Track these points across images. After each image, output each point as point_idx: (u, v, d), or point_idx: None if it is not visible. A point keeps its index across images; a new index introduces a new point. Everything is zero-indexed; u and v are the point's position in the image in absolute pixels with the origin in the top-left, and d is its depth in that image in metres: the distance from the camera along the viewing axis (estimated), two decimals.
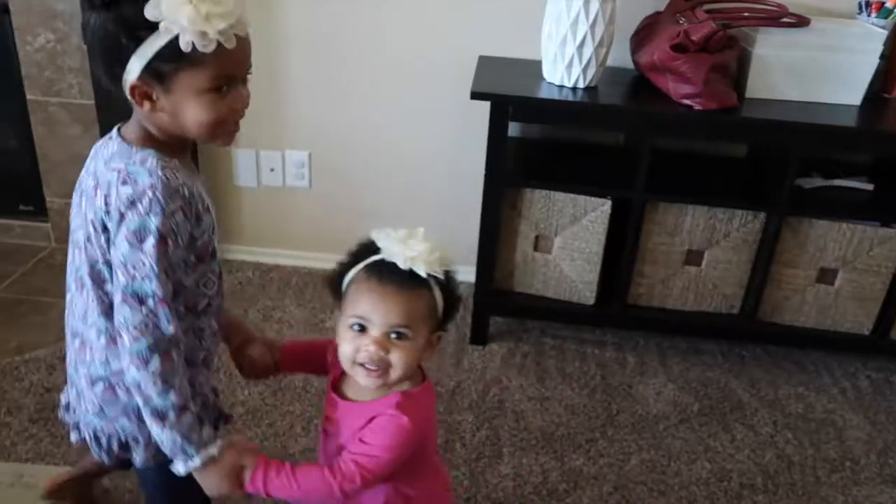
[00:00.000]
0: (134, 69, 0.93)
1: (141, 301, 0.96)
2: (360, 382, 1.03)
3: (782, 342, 2.14)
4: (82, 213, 1.04)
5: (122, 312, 0.97)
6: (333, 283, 1.06)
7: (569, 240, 2.00)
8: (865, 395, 2.03)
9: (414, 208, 2.35)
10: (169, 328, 0.97)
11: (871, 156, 2.19)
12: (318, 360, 1.19)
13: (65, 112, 2.29)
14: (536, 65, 1.98)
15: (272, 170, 2.37)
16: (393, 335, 1.00)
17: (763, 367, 2.11)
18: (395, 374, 1.01)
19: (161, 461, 1.05)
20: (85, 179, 1.05)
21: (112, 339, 1.02)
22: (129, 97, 0.97)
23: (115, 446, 1.11)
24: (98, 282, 1.03)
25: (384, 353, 1.00)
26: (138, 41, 0.92)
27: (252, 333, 1.25)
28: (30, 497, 1.52)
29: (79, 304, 1.08)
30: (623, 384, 2.00)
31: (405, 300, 0.99)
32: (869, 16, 1.98)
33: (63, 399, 1.20)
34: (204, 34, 0.90)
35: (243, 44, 0.96)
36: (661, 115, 1.87)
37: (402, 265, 0.99)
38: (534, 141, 2.22)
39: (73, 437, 1.17)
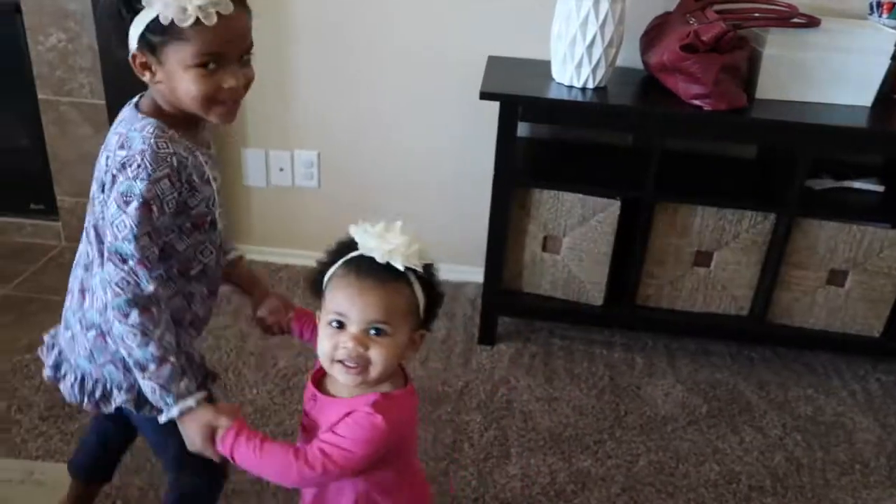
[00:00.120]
0: (132, 40, 1.00)
1: (123, 260, 1.01)
2: (339, 380, 1.01)
3: (792, 344, 2.13)
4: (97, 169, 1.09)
5: (107, 269, 1.02)
6: (313, 283, 1.04)
7: (577, 240, 1.99)
8: (875, 397, 2.02)
9: (422, 208, 2.35)
10: (148, 287, 1.01)
11: (881, 157, 2.18)
12: None
13: (76, 112, 2.31)
14: (545, 65, 1.98)
15: (281, 169, 2.38)
16: (372, 331, 0.97)
17: (772, 369, 2.10)
18: (374, 371, 0.98)
19: (138, 408, 1.12)
20: (107, 138, 1.11)
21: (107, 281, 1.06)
22: (132, 67, 1.03)
23: (97, 392, 1.14)
24: (99, 237, 1.07)
25: (363, 349, 0.97)
26: (134, 13, 0.98)
27: (258, 280, 1.30)
28: (40, 494, 1.53)
29: (85, 254, 1.13)
30: (631, 385, 2.00)
31: (383, 295, 0.97)
32: (880, 16, 1.97)
33: (48, 340, 1.23)
34: (183, 9, 0.95)
35: (229, 22, 0.98)
36: (671, 116, 1.87)
37: (380, 259, 0.97)
38: (542, 141, 2.22)
39: (47, 373, 1.21)
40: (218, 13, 0.96)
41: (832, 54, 1.86)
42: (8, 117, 2.44)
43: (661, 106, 1.87)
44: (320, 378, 1.09)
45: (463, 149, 2.27)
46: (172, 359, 1.03)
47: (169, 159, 1.02)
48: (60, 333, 1.20)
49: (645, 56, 2.00)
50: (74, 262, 1.17)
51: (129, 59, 1.02)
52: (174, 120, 1.06)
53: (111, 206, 1.01)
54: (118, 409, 1.15)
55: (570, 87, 1.90)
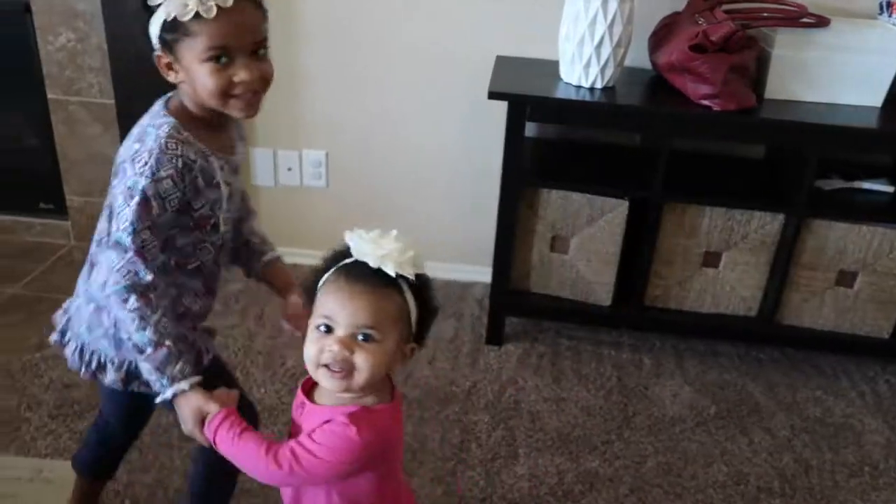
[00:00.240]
0: (153, 40, 1.05)
1: (124, 250, 1.05)
2: (324, 385, 0.99)
3: (800, 345, 2.12)
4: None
5: (110, 255, 1.06)
6: (309, 290, 1.03)
7: (585, 240, 1.99)
8: (884, 399, 2.01)
9: (430, 208, 2.35)
10: (147, 276, 1.05)
11: (891, 157, 2.16)
12: None
13: (85, 111, 2.32)
14: (554, 65, 1.98)
15: (290, 169, 2.38)
16: (360, 336, 0.95)
17: (781, 371, 2.09)
18: (359, 377, 0.95)
19: (126, 385, 1.17)
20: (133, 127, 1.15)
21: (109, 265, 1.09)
22: (159, 68, 1.07)
23: (93, 363, 1.18)
24: (110, 219, 1.10)
25: (349, 353, 0.95)
26: (150, 13, 1.03)
27: (293, 282, 1.30)
28: (49, 491, 1.54)
29: (101, 230, 1.15)
30: (639, 386, 1.99)
31: (373, 300, 0.95)
32: (890, 16, 1.96)
33: (65, 306, 1.26)
34: (183, 4, 0.99)
35: (232, 15, 1.01)
36: (680, 116, 1.87)
37: (372, 263, 0.95)
38: (550, 141, 2.22)
39: (54, 337, 1.25)
40: (219, 6, 0.99)
41: (841, 54, 1.85)
42: (17, 117, 2.45)
43: (670, 106, 1.87)
44: (311, 387, 1.07)
45: (471, 149, 2.27)
46: (168, 343, 1.06)
47: (174, 160, 1.04)
48: (72, 301, 1.25)
49: (653, 56, 1.99)
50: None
51: (155, 60, 1.07)
52: (196, 122, 1.09)
53: (118, 197, 1.05)
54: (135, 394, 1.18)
55: (579, 87, 1.90)
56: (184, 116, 1.09)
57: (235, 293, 2.21)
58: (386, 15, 2.15)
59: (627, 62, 1.92)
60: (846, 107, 1.89)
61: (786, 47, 1.86)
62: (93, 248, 1.18)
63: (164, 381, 1.06)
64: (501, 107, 1.84)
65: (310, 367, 0.99)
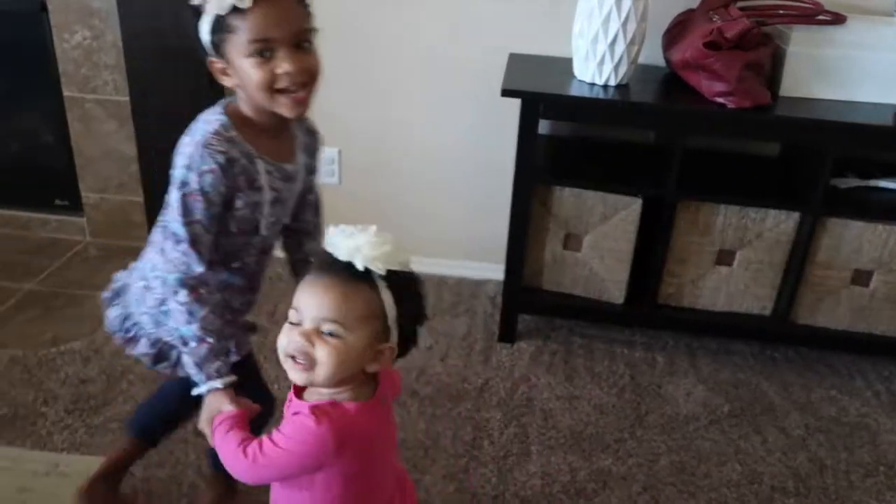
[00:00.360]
0: (205, 46, 1.08)
1: (177, 241, 1.08)
2: (290, 376, 0.98)
3: (815, 344, 2.11)
4: None
5: (166, 245, 1.10)
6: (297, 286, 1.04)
7: (599, 238, 1.99)
8: None
9: (442, 205, 2.35)
10: (198, 268, 1.09)
11: None
12: None
13: (100, 108, 2.33)
14: (567, 62, 1.97)
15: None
16: (325, 330, 0.94)
17: (795, 370, 2.08)
18: (321, 371, 0.94)
19: (155, 363, 1.21)
20: None
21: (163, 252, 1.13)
22: (215, 75, 1.10)
23: (130, 332, 1.24)
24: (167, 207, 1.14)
25: (310, 346, 0.94)
26: (198, 18, 1.06)
27: None
28: (65, 486, 1.55)
29: (160, 218, 1.19)
30: (652, 384, 1.99)
31: (339, 294, 0.93)
32: None
33: (130, 266, 1.30)
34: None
35: (272, 8, 1.03)
36: (694, 114, 1.86)
37: (341, 256, 0.93)
38: (563, 138, 2.22)
39: (106, 294, 1.29)
40: None
41: (858, 52, 1.84)
42: (34, 114, 2.46)
43: (684, 104, 1.86)
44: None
45: (484, 146, 2.27)
46: (211, 340, 1.09)
47: (216, 156, 1.06)
48: (134, 269, 1.27)
49: (667, 53, 1.99)
50: None
51: (209, 67, 1.10)
52: (249, 124, 1.11)
53: (171, 188, 1.09)
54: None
55: (592, 84, 1.90)
56: (237, 118, 1.11)
57: None
58: (398, 13, 2.15)
59: (641, 59, 1.92)
60: (862, 104, 1.87)
61: (801, 44, 1.85)
62: (154, 229, 1.21)
63: (201, 377, 1.10)
64: (514, 104, 1.84)
65: (280, 357, 0.98)
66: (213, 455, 1.43)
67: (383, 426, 1.05)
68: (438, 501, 1.59)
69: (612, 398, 1.93)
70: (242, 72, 1.06)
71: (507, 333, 2.11)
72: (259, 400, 1.15)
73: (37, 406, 1.77)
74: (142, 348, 1.23)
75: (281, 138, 1.16)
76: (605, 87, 1.89)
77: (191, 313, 1.08)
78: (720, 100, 1.80)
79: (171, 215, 1.08)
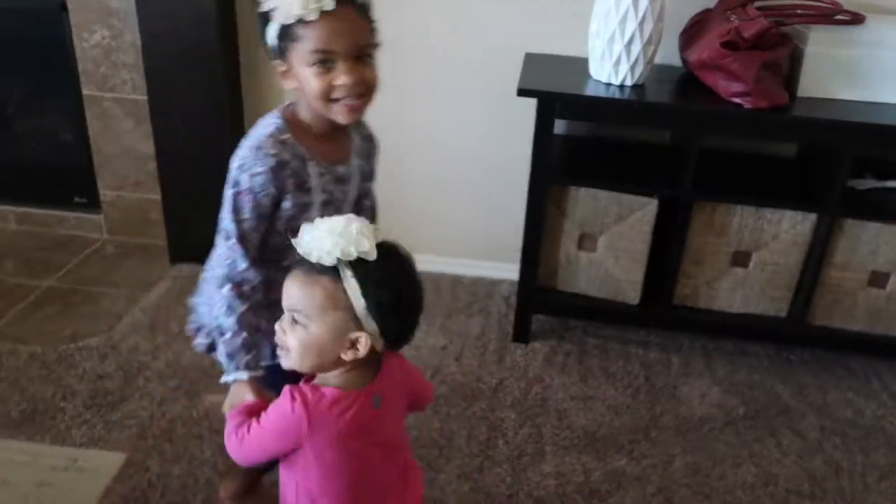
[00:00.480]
0: (271, 50, 1.11)
1: (227, 237, 1.14)
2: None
3: (831, 346, 2.09)
4: None
5: (218, 240, 1.16)
6: None
7: (614, 239, 1.98)
8: None
9: (457, 205, 2.36)
10: (242, 265, 1.13)
11: None
12: None
13: (118, 107, 2.35)
14: (583, 62, 1.97)
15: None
16: (295, 320, 1.00)
17: (811, 372, 2.07)
18: (292, 356, 1.01)
19: (209, 351, 1.25)
20: None
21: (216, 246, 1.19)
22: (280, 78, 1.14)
23: (193, 325, 1.31)
24: None
25: (283, 333, 1.02)
26: (266, 24, 1.10)
27: None
28: (84, 481, 1.57)
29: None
30: (667, 385, 1.98)
31: (301, 285, 0.99)
32: None
33: None
34: (288, 10, 1.05)
35: (336, 21, 1.06)
36: (710, 114, 1.85)
37: (301, 252, 0.98)
38: (579, 138, 2.21)
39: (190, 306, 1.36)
40: (322, 11, 1.04)
41: (877, 51, 1.83)
42: (53, 112, 2.49)
43: (700, 104, 1.85)
44: None
45: (499, 146, 2.27)
46: (245, 335, 1.14)
47: (267, 159, 1.11)
48: None
49: (684, 53, 1.98)
50: None
51: (274, 69, 1.14)
52: (304, 128, 1.15)
53: (226, 187, 1.13)
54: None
55: (608, 84, 1.89)
56: (293, 121, 1.15)
57: None
58: (415, 12, 2.15)
59: (657, 59, 1.91)
60: (881, 105, 1.86)
61: (820, 44, 1.84)
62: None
63: (231, 367, 1.15)
64: (530, 104, 1.84)
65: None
66: None
67: (369, 422, 1.03)
68: (453, 500, 1.60)
69: (627, 399, 1.92)
70: (303, 79, 1.10)
71: (522, 333, 2.11)
72: None
73: (56, 401, 1.79)
74: (200, 339, 1.29)
75: (336, 142, 1.19)
76: (622, 87, 1.88)
77: (230, 307, 1.13)
78: (737, 100, 1.79)
79: (224, 212, 1.14)
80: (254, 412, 1.07)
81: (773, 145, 2.17)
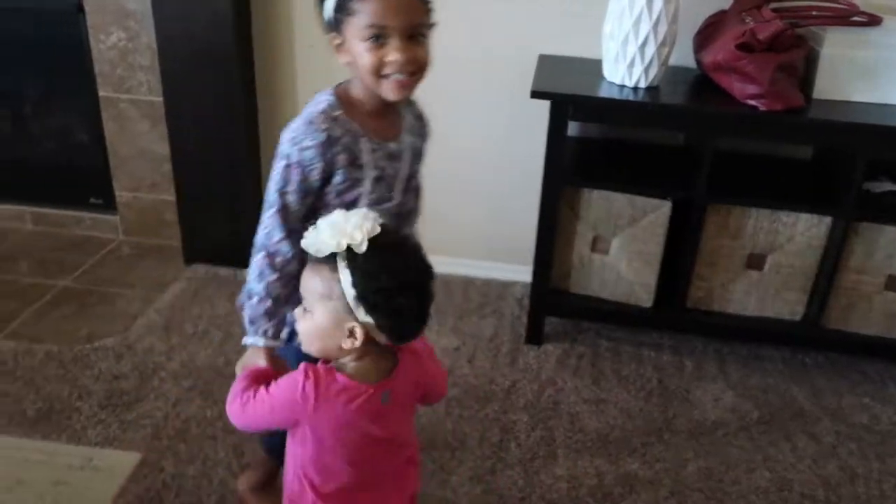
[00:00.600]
0: (327, 23, 1.13)
1: (269, 207, 1.16)
2: None
3: (847, 350, 2.08)
4: None
5: (263, 210, 1.17)
6: None
7: (627, 241, 1.98)
8: None
9: (470, 207, 2.36)
10: (277, 236, 1.15)
11: None
12: None
13: (134, 108, 2.37)
14: (597, 64, 1.97)
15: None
16: (304, 306, 1.05)
17: (826, 376, 2.06)
18: (302, 340, 1.05)
19: (289, 341, 1.23)
20: None
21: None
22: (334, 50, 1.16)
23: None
24: None
25: (296, 320, 1.07)
26: None
27: None
28: (99, 480, 1.58)
29: None
30: (680, 388, 1.97)
31: (307, 274, 1.03)
32: None
33: None
34: None
35: None
36: (725, 116, 1.84)
37: (303, 245, 1.02)
38: (592, 140, 2.21)
39: None
40: None
41: (893, 53, 1.81)
42: (70, 114, 2.51)
43: (715, 106, 1.85)
44: None
45: (513, 148, 2.27)
46: (269, 303, 1.16)
47: (318, 134, 1.12)
48: None
49: (698, 55, 1.97)
50: None
51: (329, 42, 1.15)
52: (357, 104, 1.17)
53: (275, 160, 1.15)
54: None
55: (622, 86, 1.89)
56: (345, 98, 1.17)
57: None
58: None
59: (672, 61, 1.90)
60: None
61: (836, 46, 1.83)
62: None
63: (250, 330, 1.18)
64: (543, 105, 1.84)
65: None
66: (264, 439, 1.46)
67: (374, 416, 1.04)
68: (465, 502, 1.60)
69: (640, 402, 1.92)
70: (355, 53, 1.11)
71: (535, 335, 2.11)
72: None
73: (71, 401, 1.81)
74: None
75: (387, 118, 1.21)
76: (636, 88, 1.88)
77: (261, 273, 1.16)
78: (752, 102, 1.78)
79: (270, 183, 1.15)
80: (261, 379, 1.10)
81: (788, 147, 2.16)
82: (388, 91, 1.13)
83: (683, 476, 1.70)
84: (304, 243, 1.01)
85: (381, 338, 1.01)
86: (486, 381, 1.96)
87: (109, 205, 2.54)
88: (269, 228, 1.16)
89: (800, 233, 1.91)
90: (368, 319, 0.98)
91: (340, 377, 1.02)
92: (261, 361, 1.17)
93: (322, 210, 1.17)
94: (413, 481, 1.18)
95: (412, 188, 1.32)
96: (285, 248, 1.15)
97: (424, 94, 2.37)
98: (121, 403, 1.80)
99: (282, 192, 1.14)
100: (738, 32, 1.79)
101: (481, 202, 2.36)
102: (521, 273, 2.28)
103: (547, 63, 2.04)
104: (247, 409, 1.07)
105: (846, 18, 1.82)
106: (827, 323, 2.00)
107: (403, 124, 1.24)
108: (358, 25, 1.09)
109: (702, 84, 1.96)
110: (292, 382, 1.03)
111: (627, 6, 1.81)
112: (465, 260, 2.39)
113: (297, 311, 1.06)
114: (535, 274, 2.04)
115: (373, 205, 1.20)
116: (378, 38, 1.09)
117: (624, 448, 1.76)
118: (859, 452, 1.80)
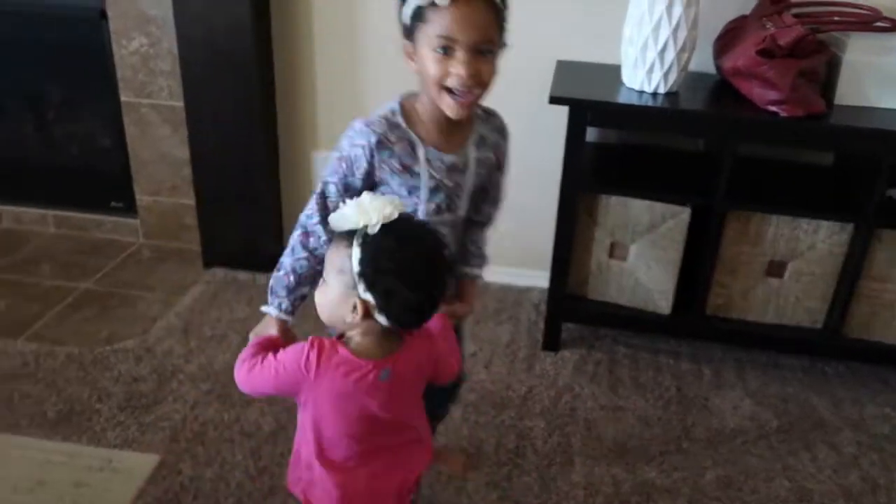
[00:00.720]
0: (403, 28, 1.15)
1: (316, 190, 1.22)
2: None
3: (868, 359, 2.05)
4: None
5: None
6: None
7: (645, 248, 1.97)
8: None
9: None
10: (314, 219, 1.21)
11: None
12: None
13: (155, 113, 2.39)
14: (616, 70, 1.96)
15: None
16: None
17: (847, 385, 2.03)
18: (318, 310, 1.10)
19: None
20: None
21: None
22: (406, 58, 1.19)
23: None
24: None
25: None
26: (402, 3, 1.14)
27: (470, 300, 1.38)
28: (118, 482, 1.60)
29: None
30: (699, 396, 1.96)
31: (328, 250, 1.08)
32: None
33: None
34: None
35: (463, 9, 1.09)
36: (745, 122, 1.83)
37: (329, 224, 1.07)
38: (610, 146, 2.20)
39: None
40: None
41: None
42: (92, 118, 2.54)
43: (735, 112, 1.83)
44: None
45: (530, 153, 2.25)
46: (292, 279, 1.22)
47: (370, 136, 1.16)
48: None
49: (718, 60, 1.96)
50: None
51: (403, 49, 1.18)
52: (420, 112, 1.20)
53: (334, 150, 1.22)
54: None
55: (641, 92, 1.88)
56: (409, 107, 1.21)
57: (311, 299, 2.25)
58: None
59: (691, 67, 1.89)
60: None
61: (858, 52, 1.81)
62: None
63: (270, 299, 1.24)
64: (562, 111, 1.84)
65: None
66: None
67: (371, 391, 1.07)
68: None
69: (658, 410, 1.90)
70: (423, 61, 1.14)
71: (551, 342, 2.10)
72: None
73: (91, 403, 1.83)
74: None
75: (450, 130, 1.21)
76: (655, 94, 1.87)
77: (293, 249, 1.22)
78: (773, 108, 1.77)
79: (326, 168, 1.21)
80: (270, 348, 1.13)
81: (809, 153, 2.14)
82: (447, 107, 1.15)
83: (701, 485, 1.68)
84: (330, 217, 1.05)
85: (381, 318, 1.03)
86: (502, 386, 1.95)
87: (130, 208, 2.57)
88: (310, 210, 1.21)
89: (821, 240, 1.89)
90: (368, 297, 1.01)
91: (343, 350, 1.06)
92: (273, 331, 1.22)
93: None
94: (419, 462, 1.19)
95: (488, 199, 1.34)
96: (319, 231, 1.20)
97: None
98: (140, 406, 1.82)
99: (328, 181, 1.20)
100: (759, 38, 1.78)
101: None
102: (539, 279, 2.28)
103: (565, 69, 2.04)
104: (253, 374, 1.11)
105: (869, 24, 1.80)
106: (848, 332, 1.97)
107: (471, 138, 1.24)
108: (429, 34, 1.11)
109: (721, 90, 1.95)
110: (298, 351, 1.07)
111: (647, 11, 1.80)
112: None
113: (321, 281, 1.10)
114: (553, 280, 2.03)
115: (433, 212, 1.23)
116: (446, 49, 1.11)
117: (641, 456, 1.75)
118: (881, 463, 1.77)
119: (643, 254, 1.98)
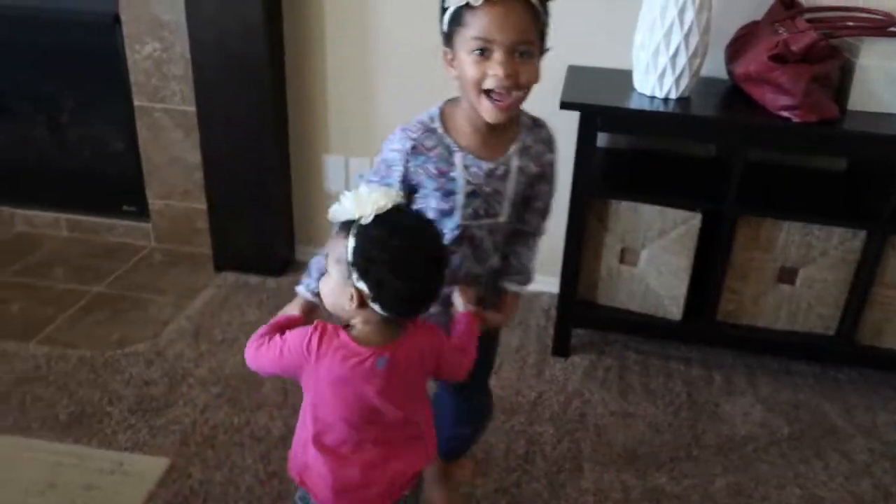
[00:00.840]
0: (443, 36, 1.16)
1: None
2: None
3: (881, 366, 2.04)
4: None
5: None
6: None
7: (656, 253, 1.96)
8: None
9: None
10: None
11: None
12: None
13: (168, 118, 2.41)
14: (627, 75, 1.96)
15: (361, 175, 2.42)
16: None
17: (859, 392, 2.02)
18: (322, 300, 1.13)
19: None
20: None
21: None
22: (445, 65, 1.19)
23: None
24: None
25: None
26: (443, 11, 1.14)
27: (507, 311, 1.41)
28: (129, 485, 1.60)
29: None
30: (709, 403, 1.95)
31: (329, 240, 1.09)
32: None
33: None
34: None
35: (500, 10, 1.09)
36: (757, 127, 1.82)
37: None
38: (621, 151, 2.20)
39: None
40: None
41: None
42: (105, 122, 2.55)
43: (748, 117, 1.83)
44: None
45: None
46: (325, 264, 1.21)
47: (406, 141, 1.18)
48: None
49: (730, 66, 1.95)
50: None
51: (443, 56, 1.18)
52: (460, 118, 1.20)
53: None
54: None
55: (653, 97, 1.88)
56: (449, 112, 1.21)
57: None
58: None
59: (703, 72, 1.89)
60: None
61: (872, 57, 1.80)
62: None
63: (303, 279, 1.27)
64: (573, 116, 1.83)
65: None
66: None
67: (367, 377, 1.08)
68: None
69: (668, 416, 1.90)
70: (461, 65, 1.13)
71: (561, 347, 2.09)
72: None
73: (102, 405, 1.83)
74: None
75: (491, 137, 1.21)
76: (666, 100, 1.87)
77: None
78: (785, 114, 1.76)
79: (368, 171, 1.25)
80: (284, 327, 1.16)
81: (821, 159, 2.13)
82: (486, 111, 1.14)
83: (712, 492, 1.67)
84: (330, 209, 1.06)
85: (375, 307, 1.05)
86: (512, 392, 1.95)
87: (142, 212, 2.58)
88: None
89: (833, 246, 1.88)
90: (362, 286, 1.03)
91: (343, 336, 1.08)
92: (296, 310, 1.25)
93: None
94: (418, 458, 1.19)
95: (535, 210, 1.33)
96: None
97: None
98: (150, 409, 1.83)
99: (370, 179, 1.22)
100: (772, 43, 1.77)
101: None
102: (549, 284, 2.27)
103: (576, 74, 2.04)
104: (260, 352, 1.13)
105: (882, 29, 1.79)
106: (860, 339, 1.96)
107: (512, 145, 1.23)
108: (466, 37, 1.11)
109: (733, 95, 1.94)
110: (302, 334, 1.09)
111: (658, 17, 1.80)
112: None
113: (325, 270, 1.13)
114: (563, 285, 2.03)
115: (470, 216, 1.23)
116: (483, 51, 1.10)
117: (651, 462, 1.75)
118: (893, 471, 1.76)
119: (654, 259, 1.97)
